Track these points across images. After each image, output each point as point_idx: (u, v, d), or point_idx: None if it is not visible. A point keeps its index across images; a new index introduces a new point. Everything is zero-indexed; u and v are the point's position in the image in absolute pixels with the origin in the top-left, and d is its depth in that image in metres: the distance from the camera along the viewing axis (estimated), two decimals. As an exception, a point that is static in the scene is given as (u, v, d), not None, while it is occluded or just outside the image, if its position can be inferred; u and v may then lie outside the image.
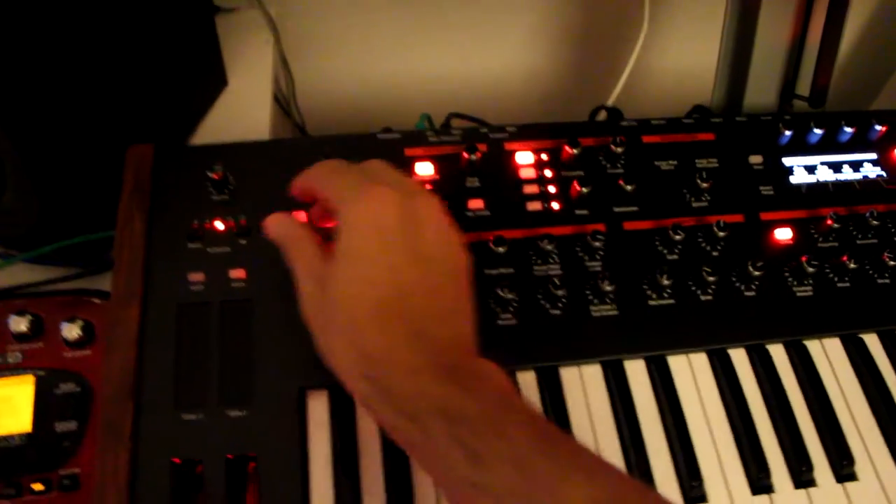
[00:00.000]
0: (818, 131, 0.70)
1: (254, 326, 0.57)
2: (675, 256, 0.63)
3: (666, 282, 0.60)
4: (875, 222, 0.65)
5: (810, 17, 0.73)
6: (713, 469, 0.56)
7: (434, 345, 0.44)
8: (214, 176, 0.61)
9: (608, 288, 0.59)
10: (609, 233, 0.63)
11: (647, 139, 0.68)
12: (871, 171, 0.70)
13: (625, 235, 0.63)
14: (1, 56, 0.55)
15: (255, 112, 0.86)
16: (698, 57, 0.92)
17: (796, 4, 0.73)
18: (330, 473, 0.53)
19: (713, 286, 0.62)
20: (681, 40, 1.00)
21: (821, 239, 0.65)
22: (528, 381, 0.58)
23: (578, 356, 0.59)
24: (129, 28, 0.67)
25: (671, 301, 0.61)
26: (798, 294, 0.63)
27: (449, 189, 0.63)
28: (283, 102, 0.95)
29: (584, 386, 0.58)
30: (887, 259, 0.64)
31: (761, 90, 0.77)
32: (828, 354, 0.62)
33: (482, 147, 0.64)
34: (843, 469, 0.57)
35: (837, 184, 0.69)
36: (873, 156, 0.71)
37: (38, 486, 0.59)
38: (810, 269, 0.62)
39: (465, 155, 0.63)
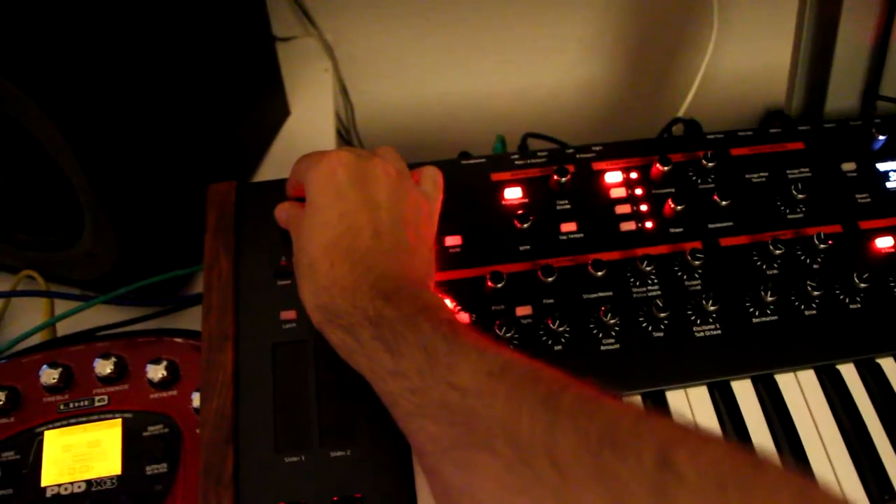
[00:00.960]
0: (912, 134, 0.67)
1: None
2: (776, 271, 0.61)
3: (769, 298, 0.58)
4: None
5: (895, 12, 0.71)
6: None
7: (374, 273, 0.50)
8: (298, 210, 0.60)
9: (711, 307, 0.58)
10: (706, 250, 0.61)
11: (735, 152, 0.66)
12: (966, 173, 0.67)
13: (722, 252, 0.61)
14: (81, 94, 0.55)
15: (319, 140, 0.85)
16: (767, 58, 0.89)
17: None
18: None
19: (817, 300, 0.60)
20: (748, 41, 0.97)
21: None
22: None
23: (684, 379, 0.57)
24: (195, 60, 0.67)
25: (775, 318, 0.59)
26: (905, 304, 0.60)
27: (540, 213, 0.62)
28: (343, 130, 0.95)
29: (691, 408, 0.56)
30: None
31: (843, 93, 0.75)
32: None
33: (570, 168, 0.63)
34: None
35: (933, 188, 0.66)
36: (968, 156, 0.68)
37: (133, 530, 0.58)
38: (916, 278, 0.60)
39: (556, 177, 0.62)
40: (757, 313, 0.59)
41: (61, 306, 0.69)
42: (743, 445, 0.50)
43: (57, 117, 0.54)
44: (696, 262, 0.59)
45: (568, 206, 0.62)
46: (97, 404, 0.63)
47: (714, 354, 0.58)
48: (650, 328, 0.58)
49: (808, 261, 0.62)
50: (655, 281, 0.60)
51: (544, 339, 0.57)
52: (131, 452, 0.61)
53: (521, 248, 0.60)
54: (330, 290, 0.50)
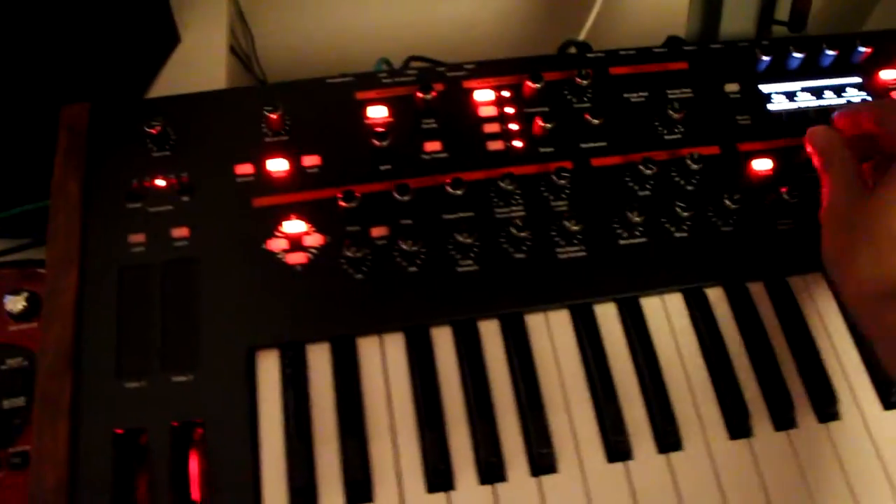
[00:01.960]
0: (798, 55, 0.65)
1: (199, 286, 0.54)
2: (647, 192, 0.59)
3: (637, 219, 0.56)
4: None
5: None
6: (688, 414, 0.53)
7: None
8: (153, 131, 0.58)
9: (575, 228, 0.56)
10: (576, 170, 0.59)
11: (615, 71, 0.64)
12: (855, 96, 0.66)
13: (593, 172, 0.59)
14: None
15: (210, 68, 0.81)
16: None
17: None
18: (281, 436, 0.50)
19: (688, 222, 0.58)
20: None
21: (802, 169, 0.61)
22: (491, 329, 0.54)
23: (544, 301, 0.55)
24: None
25: (643, 239, 0.57)
26: (779, 228, 0.59)
27: (403, 132, 0.59)
28: (244, 57, 0.91)
29: (550, 333, 0.55)
30: (874, 186, 0.60)
31: (738, 16, 0.73)
32: (811, 292, 0.58)
33: (439, 86, 0.60)
34: (827, 409, 0.54)
35: (819, 110, 0.65)
36: (857, 80, 0.67)
37: (-16, 465, 0.57)
38: (791, 201, 0.58)
39: (420, 95, 0.59)
40: (625, 235, 0.57)
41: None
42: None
43: None
44: (562, 182, 0.57)
45: (434, 126, 0.60)
46: (-48, 336, 0.61)
47: (577, 277, 0.56)
48: (511, 250, 0.56)
49: (682, 182, 0.60)
50: (520, 201, 0.57)
51: (398, 259, 0.55)
52: (-13, 386, 0.59)
53: (382, 168, 0.58)
54: None
